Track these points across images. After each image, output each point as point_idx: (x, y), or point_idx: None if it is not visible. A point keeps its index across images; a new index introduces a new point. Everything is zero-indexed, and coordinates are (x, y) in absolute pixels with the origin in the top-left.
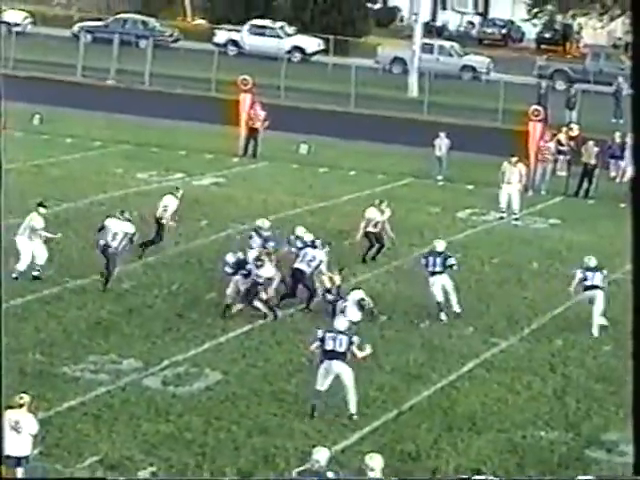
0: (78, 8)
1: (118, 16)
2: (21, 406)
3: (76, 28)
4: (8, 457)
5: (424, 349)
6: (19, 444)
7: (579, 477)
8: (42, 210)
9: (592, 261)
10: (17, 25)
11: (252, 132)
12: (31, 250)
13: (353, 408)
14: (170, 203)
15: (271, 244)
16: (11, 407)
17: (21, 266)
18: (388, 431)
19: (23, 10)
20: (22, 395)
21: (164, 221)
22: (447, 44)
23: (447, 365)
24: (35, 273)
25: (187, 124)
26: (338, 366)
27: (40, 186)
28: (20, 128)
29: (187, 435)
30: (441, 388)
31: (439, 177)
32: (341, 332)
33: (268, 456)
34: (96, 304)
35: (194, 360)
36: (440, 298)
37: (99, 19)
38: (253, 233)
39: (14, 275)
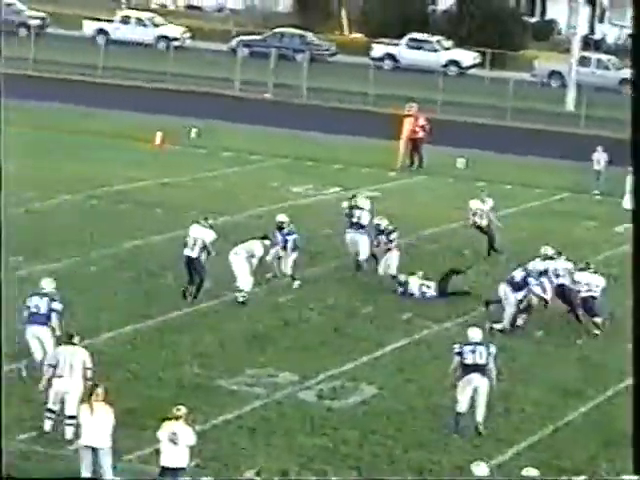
0: (235, 22)
1: (275, 30)
2: (178, 418)
3: (234, 42)
4: (165, 469)
5: (581, 365)
6: (176, 456)
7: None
8: (266, 242)
9: None
10: (176, 39)
11: (415, 142)
12: (246, 270)
13: (480, 417)
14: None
15: (292, 238)
16: (169, 419)
17: (244, 286)
18: (544, 447)
19: (181, 25)
20: (179, 407)
21: None
22: (605, 57)
23: (604, 381)
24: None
25: (344, 138)
26: (477, 379)
27: (198, 199)
28: (178, 142)
29: (343, 449)
30: (598, 404)
31: (596, 191)
32: (478, 343)
33: (423, 471)
34: (253, 317)
35: (350, 374)
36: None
37: (256, 33)
38: (275, 230)
39: (241, 300)
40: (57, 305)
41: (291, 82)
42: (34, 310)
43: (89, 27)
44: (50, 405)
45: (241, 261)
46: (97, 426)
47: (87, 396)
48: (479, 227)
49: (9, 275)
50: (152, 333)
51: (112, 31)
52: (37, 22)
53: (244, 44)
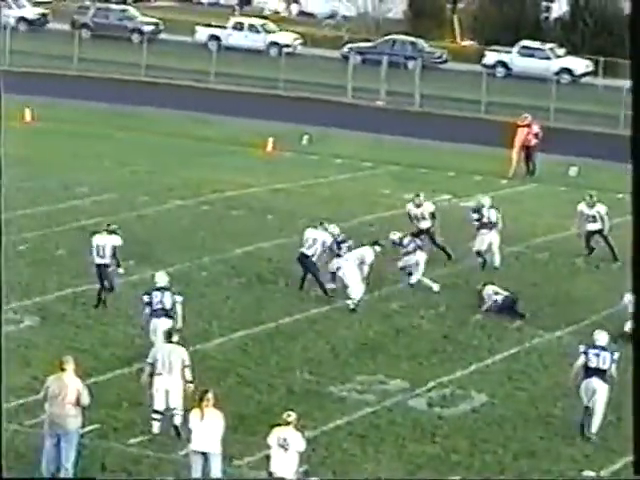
0: (347, 29)
1: (387, 37)
2: (288, 424)
3: (345, 49)
4: (271, 474)
5: None
6: (286, 461)
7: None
8: (377, 248)
9: None
10: (287, 46)
11: (528, 150)
12: (357, 277)
13: (594, 428)
14: None
15: (346, 244)
16: (279, 425)
17: (355, 294)
18: None
19: (294, 32)
20: (290, 413)
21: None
22: None
23: None
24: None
25: (456, 145)
26: (597, 383)
27: (309, 206)
28: (289, 148)
29: (453, 457)
30: None
31: None
32: (604, 348)
33: None
34: (363, 324)
35: (460, 382)
36: None
37: (368, 40)
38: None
39: (352, 307)
40: (179, 297)
41: (403, 89)
42: (158, 305)
43: (202, 33)
44: (156, 406)
45: (352, 268)
46: (208, 431)
47: (197, 401)
48: (590, 233)
49: (122, 279)
50: (263, 339)
51: (225, 37)
52: (150, 28)
53: (356, 51)
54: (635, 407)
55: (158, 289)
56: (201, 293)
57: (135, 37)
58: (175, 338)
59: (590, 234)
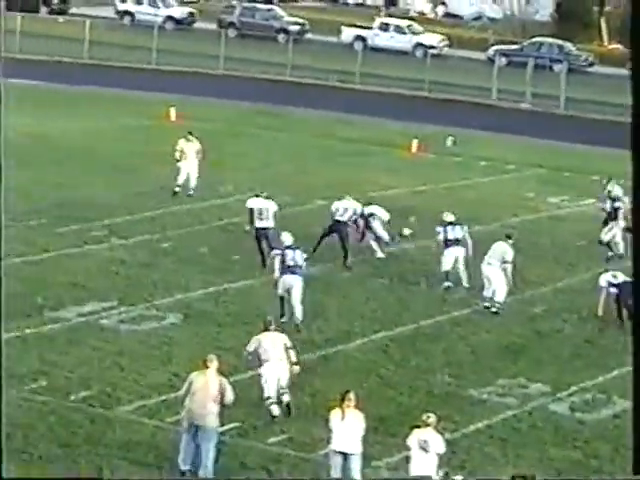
0: (494, 31)
1: (533, 39)
2: (428, 425)
3: (491, 51)
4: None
5: None
6: (426, 463)
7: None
8: (510, 241)
9: None
10: (433, 47)
11: None
12: (502, 280)
13: None
14: None
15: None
16: (418, 426)
17: (499, 297)
18: None
19: (440, 33)
20: (429, 414)
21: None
22: None
23: None
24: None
25: (602, 149)
26: None
27: (452, 208)
28: (434, 150)
29: (593, 462)
30: None
31: None
32: None
33: None
34: (505, 327)
35: (602, 387)
36: None
37: (514, 42)
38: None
39: (494, 310)
40: (304, 255)
41: (548, 92)
42: (291, 262)
43: (348, 34)
44: (267, 394)
45: (496, 271)
46: (348, 432)
47: (339, 401)
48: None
49: (263, 278)
50: (404, 340)
51: (370, 38)
52: (296, 28)
53: (502, 53)
54: (635, 407)
55: (289, 247)
56: (343, 293)
57: (281, 37)
58: (272, 326)
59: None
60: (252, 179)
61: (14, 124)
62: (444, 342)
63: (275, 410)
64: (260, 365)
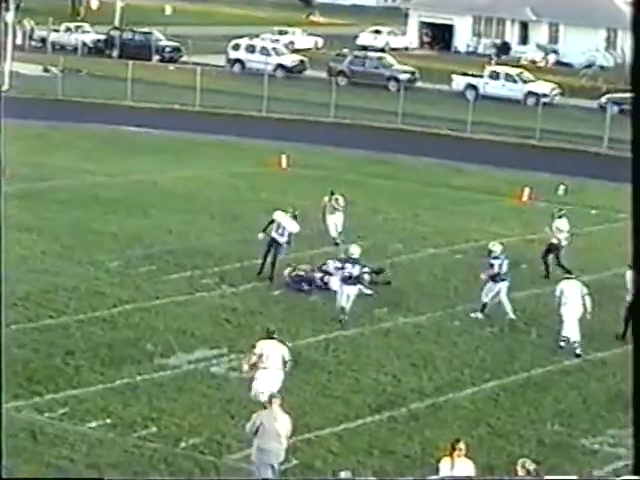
0: (605, 79)
1: None
2: (529, 472)
3: (603, 99)
4: None
5: None
6: None
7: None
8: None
9: None
10: (545, 96)
11: None
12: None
13: None
14: None
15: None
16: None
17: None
18: None
19: (551, 81)
20: (525, 460)
21: None
22: None
23: None
24: (562, 344)
25: None
26: None
27: (562, 257)
28: (545, 198)
29: None
30: None
31: None
32: None
33: None
34: (617, 377)
35: None
36: None
37: (626, 90)
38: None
39: (561, 344)
40: (366, 269)
41: None
42: (347, 274)
43: (459, 82)
44: (254, 395)
45: (573, 310)
46: None
47: (449, 450)
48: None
49: (374, 326)
50: (514, 389)
51: (481, 86)
52: (406, 76)
53: (613, 101)
54: (635, 407)
55: (350, 260)
56: (453, 342)
57: (392, 85)
58: (275, 335)
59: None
60: (361, 226)
61: (126, 170)
62: (554, 391)
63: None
64: (256, 369)
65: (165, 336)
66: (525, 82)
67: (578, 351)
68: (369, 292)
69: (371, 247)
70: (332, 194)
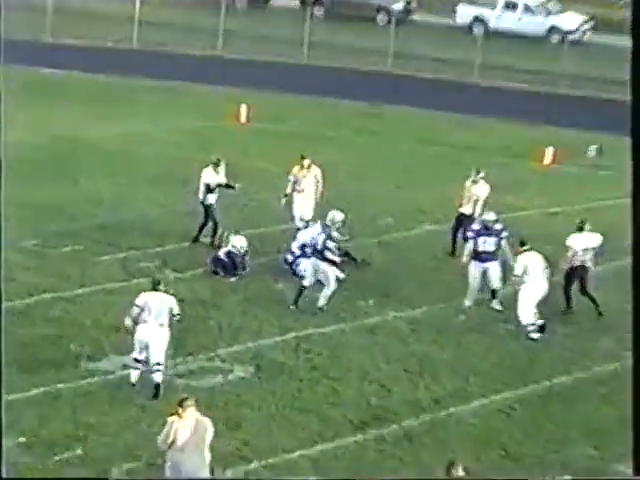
0: None
1: None
2: None
3: None
4: None
5: None
6: None
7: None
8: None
9: None
10: (573, 32)
11: None
12: None
13: None
14: None
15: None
16: None
17: None
18: None
19: (582, 13)
20: None
21: None
22: None
23: None
24: None
25: None
26: None
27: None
28: (572, 161)
29: None
30: None
31: None
32: None
33: None
34: None
35: None
36: None
37: None
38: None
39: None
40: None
41: None
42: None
43: (464, 14)
44: (136, 354)
45: None
46: None
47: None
48: None
49: (357, 322)
50: (534, 402)
51: (493, 20)
52: (400, 6)
53: None
54: (635, 407)
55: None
56: (456, 342)
57: (380, 17)
58: (162, 286)
59: None
60: (342, 196)
61: (43, 124)
62: (584, 404)
63: (133, 376)
64: (136, 324)
65: (94, 334)
66: (548, 14)
67: (535, 335)
68: (340, 275)
69: (354, 221)
70: (303, 159)
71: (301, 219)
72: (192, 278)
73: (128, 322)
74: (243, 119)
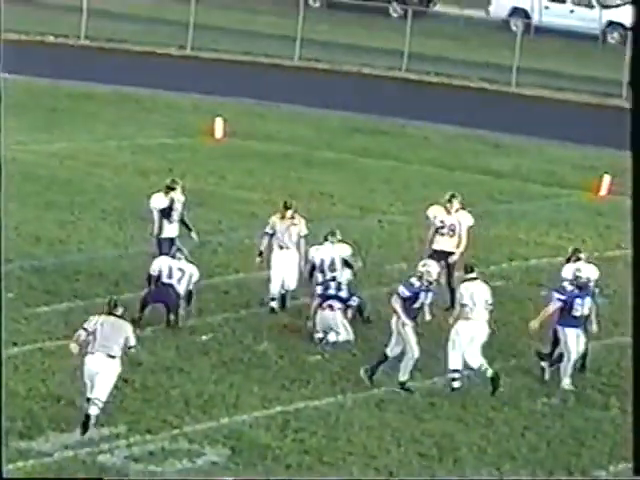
0: None
1: None
2: None
3: None
4: None
5: None
6: None
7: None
8: None
9: None
10: None
11: None
12: None
13: None
14: None
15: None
16: None
17: None
18: None
19: None
20: None
21: None
22: None
23: None
24: None
25: None
26: None
27: None
28: (626, 191)
29: None
30: None
31: None
32: None
33: None
34: None
35: None
36: None
37: None
38: None
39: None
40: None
41: None
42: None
43: (500, 5)
44: (88, 393)
45: None
46: None
47: None
48: None
49: (360, 394)
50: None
51: (536, 12)
52: None
53: None
54: (635, 407)
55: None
56: (486, 418)
57: (394, 9)
58: (119, 310)
59: None
60: (343, 233)
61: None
62: None
63: (92, 411)
64: (84, 355)
65: (29, 405)
66: (605, 7)
67: (456, 384)
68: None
69: (359, 267)
70: (286, 208)
71: (282, 287)
72: (153, 336)
73: (74, 347)
74: (218, 135)
